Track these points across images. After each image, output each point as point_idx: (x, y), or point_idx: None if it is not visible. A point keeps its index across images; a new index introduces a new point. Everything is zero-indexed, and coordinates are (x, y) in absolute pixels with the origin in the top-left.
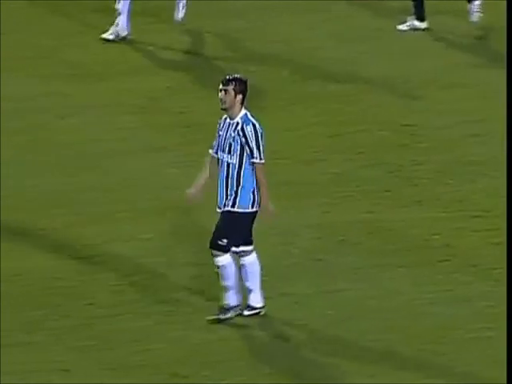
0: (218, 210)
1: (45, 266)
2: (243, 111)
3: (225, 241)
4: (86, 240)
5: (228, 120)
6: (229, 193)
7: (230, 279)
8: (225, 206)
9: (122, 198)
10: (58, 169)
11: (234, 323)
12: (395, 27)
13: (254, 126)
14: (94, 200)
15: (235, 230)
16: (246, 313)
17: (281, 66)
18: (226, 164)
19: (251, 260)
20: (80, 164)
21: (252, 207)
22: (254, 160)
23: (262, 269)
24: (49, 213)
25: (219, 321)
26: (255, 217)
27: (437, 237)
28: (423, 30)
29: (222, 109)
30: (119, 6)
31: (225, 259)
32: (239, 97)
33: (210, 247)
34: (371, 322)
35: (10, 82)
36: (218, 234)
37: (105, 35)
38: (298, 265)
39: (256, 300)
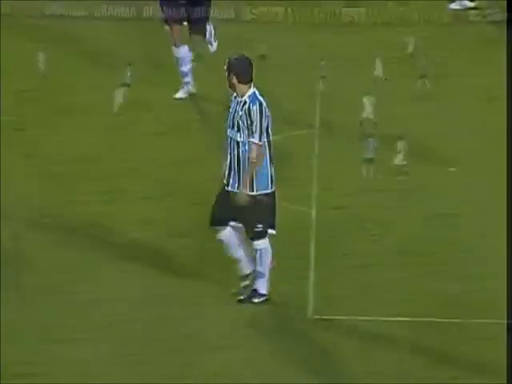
0: (228, 189)
1: (296, 217)
2: (251, 89)
3: (260, 226)
4: (336, 190)
5: (237, 98)
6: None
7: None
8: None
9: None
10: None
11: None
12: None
13: (260, 105)
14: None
15: (264, 212)
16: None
17: None
18: (235, 142)
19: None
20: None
21: (272, 187)
22: (252, 139)
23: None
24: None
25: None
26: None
27: None
28: (473, 8)
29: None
30: (185, 68)
31: (263, 243)
32: (233, 77)
33: (251, 238)
34: None
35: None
36: (250, 222)
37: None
38: None
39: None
